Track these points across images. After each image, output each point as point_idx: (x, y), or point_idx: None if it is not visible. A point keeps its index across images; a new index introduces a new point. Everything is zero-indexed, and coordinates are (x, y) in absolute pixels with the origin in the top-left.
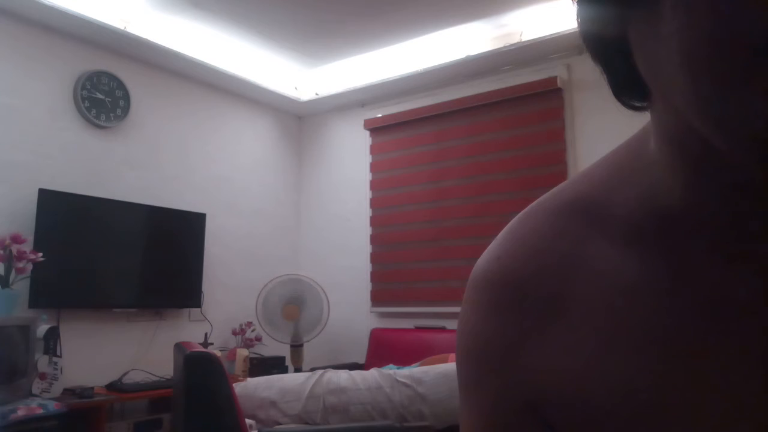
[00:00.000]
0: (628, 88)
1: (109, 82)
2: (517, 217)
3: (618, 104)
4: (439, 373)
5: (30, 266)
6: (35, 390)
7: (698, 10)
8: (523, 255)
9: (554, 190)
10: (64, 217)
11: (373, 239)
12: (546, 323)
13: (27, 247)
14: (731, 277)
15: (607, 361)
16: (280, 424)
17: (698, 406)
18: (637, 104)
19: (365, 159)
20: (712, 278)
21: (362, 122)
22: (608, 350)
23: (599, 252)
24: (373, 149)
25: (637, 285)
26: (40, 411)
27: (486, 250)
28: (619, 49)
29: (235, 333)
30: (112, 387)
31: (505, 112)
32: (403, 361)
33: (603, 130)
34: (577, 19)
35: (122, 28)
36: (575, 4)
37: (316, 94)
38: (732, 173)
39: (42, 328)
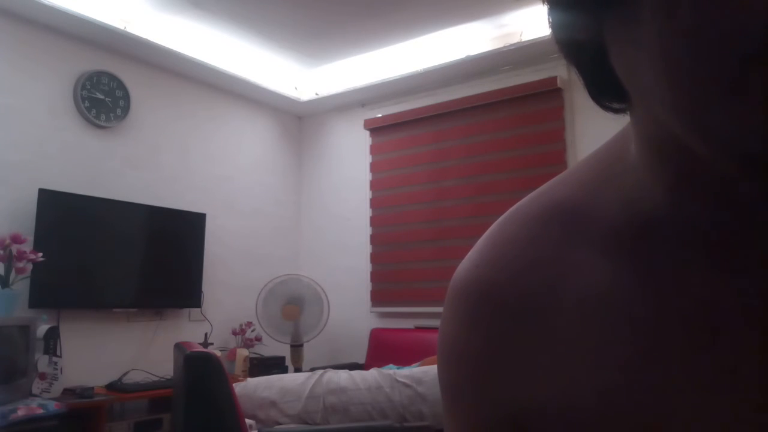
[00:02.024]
0: (606, 90)
1: (109, 82)
2: (496, 222)
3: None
4: None
5: (30, 266)
6: (35, 390)
7: (681, 14)
8: (503, 264)
9: (534, 193)
10: (64, 217)
11: (373, 239)
12: (526, 334)
13: (27, 247)
14: (716, 285)
15: (590, 374)
16: (280, 424)
17: (688, 418)
18: (617, 106)
19: (365, 159)
20: (696, 286)
21: (362, 122)
22: (591, 362)
23: (581, 259)
24: (373, 149)
25: (621, 294)
26: (40, 411)
27: (466, 257)
28: (595, 51)
29: (235, 333)
30: (112, 387)
31: (505, 112)
32: (403, 361)
33: (603, 130)
34: (549, 21)
35: (122, 28)
36: (546, 6)
37: (316, 94)
38: (715, 180)
39: (42, 328)
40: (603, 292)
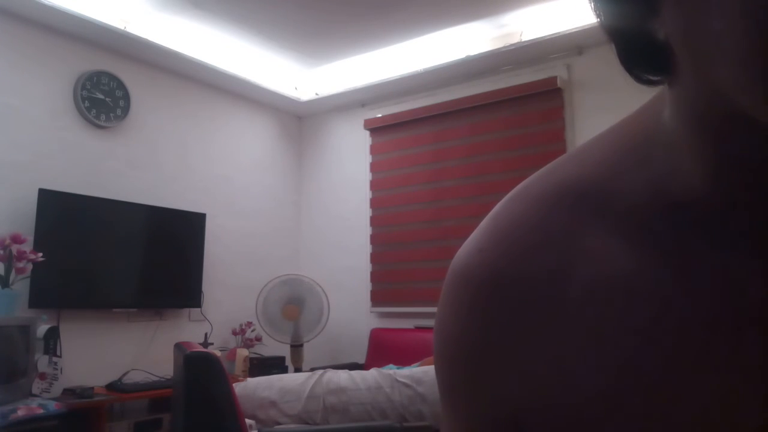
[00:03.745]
0: (644, 59)
1: (109, 82)
2: (501, 201)
3: (618, 104)
4: None
5: (30, 266)
6: (35, 390)
7: None
8: (508, 248)
9: (543, 170)
10: (64, 217)
11: (373, 239)
12: (532, 326)
13: (27, 247)
14: (747, 273)
15: (599, 370)
16: (280, 424)
17: (694, 419)
18: (653, 78)
19: (365, 159)
20: (726, 273)
21: (362, 122)
22: (601, 358)
23: (596, 245)
24: (373, 149)
25: (639, 286)
26: (40, 411)
27: (467, 240)
28: (640, 14)
29: (235, 333)
30: (112, 387)
31: (505, 112)
32: (403, 361)
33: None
34: None
35: (122, 28)
36: None
37: (316, 94)
38: (763, 161)
39: (42, 328)
40: (621, 284)
